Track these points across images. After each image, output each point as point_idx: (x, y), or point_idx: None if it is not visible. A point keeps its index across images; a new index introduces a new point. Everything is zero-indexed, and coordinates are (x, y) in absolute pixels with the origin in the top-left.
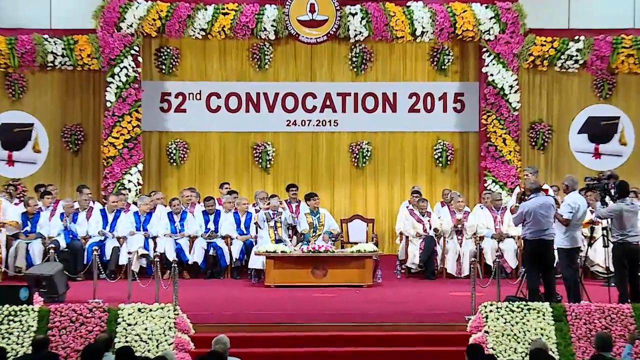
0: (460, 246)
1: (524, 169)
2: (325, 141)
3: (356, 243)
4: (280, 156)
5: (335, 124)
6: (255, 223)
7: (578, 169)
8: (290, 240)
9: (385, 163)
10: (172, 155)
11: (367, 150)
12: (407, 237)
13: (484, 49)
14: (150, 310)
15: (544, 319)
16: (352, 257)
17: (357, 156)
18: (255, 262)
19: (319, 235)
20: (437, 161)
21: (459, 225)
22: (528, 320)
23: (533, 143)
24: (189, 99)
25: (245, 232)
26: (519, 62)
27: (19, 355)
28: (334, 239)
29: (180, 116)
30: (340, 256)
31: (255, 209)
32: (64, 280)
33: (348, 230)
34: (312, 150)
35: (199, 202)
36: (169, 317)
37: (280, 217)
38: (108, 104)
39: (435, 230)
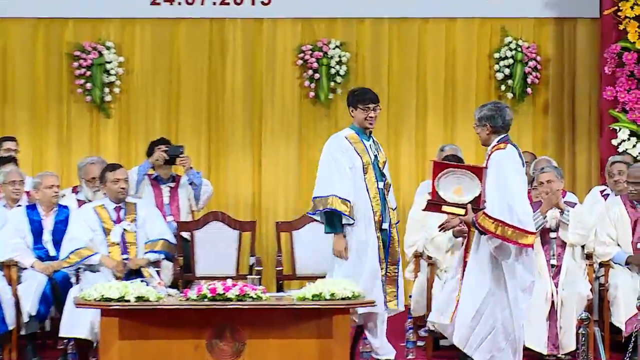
0: (556, 286)
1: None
2: (242, 42)
3: (314, 278)
4: (137, 78)
5: (266, 2)
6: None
7: None
8: (159, 272)
9: (381, 91)
10: None
11: (339, 62)
12: (431, 261)
13: None
14: None
15: None
16: (301, 310)
17: (317, 75)
18: (78, 322)
19: None
20: (503, 85)
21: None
22: None
23: None
24: None
25: (54, 251)
26: None
27: None
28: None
29: None
30: (277, 309)
31: (79, 200)
32: None
33: (293, 249)
34: (211, 63)
35: None
36: None
37: (137, 219)
38: None
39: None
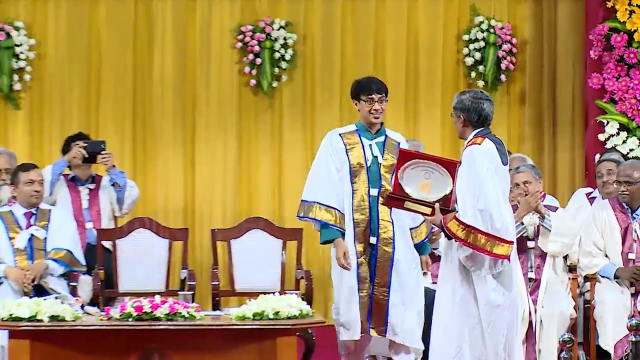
0: (535, 303)
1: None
2: (173, 22)
3: (255, 294)
4: (51, 63)
5: None
6: None
7: None
8: (76, 287)
9: (333, 78)
10: None
11: (285, 45)
12: None
13: None
14: None
15: None
16: (241, 331)
17: (259, 60)
18: None
19: None
20: (474, 72)
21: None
22: None
23: None
24: None
25: None
26: None
27: None
28: None
29: None
30: (212, 329)
31: None
32: None
33: (231, 260)
34: (136, 46)
35: None
36: None
37: (48, 226)
38: None
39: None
